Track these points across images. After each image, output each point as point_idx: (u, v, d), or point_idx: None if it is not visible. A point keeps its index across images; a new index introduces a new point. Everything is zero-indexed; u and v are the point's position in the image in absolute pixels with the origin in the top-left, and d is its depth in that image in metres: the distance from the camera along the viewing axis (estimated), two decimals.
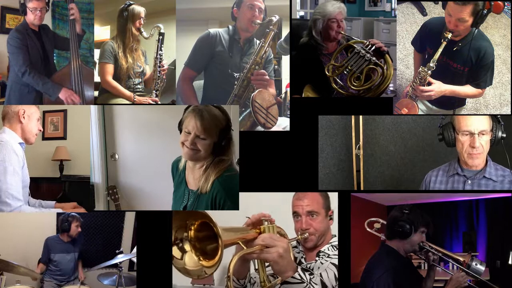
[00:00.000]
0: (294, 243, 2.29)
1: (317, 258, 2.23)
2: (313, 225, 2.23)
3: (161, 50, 2.77)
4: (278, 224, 2.09)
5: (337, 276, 2.19)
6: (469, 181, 2.43)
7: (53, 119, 3.06)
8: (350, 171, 2.75)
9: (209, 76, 2.76)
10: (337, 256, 2.24)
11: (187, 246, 1.97)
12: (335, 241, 2.29)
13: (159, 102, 2.77)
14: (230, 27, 2.75)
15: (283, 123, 2.65)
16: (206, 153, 2.14)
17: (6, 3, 2.85)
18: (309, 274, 2.12)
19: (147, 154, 3.19)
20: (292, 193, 2.34)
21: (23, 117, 2.54)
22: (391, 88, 2.65)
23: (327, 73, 2.58)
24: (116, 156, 3.29)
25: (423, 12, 2.67)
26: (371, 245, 2.43)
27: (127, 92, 2.78)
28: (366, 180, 2.75)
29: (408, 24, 2.68)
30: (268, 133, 2.62)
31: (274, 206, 2.43)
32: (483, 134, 2.36)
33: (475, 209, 2.67)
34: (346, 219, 2.52)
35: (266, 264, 2.07)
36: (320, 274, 2.16)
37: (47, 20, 2.81)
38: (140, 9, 2.77)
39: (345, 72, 2.55)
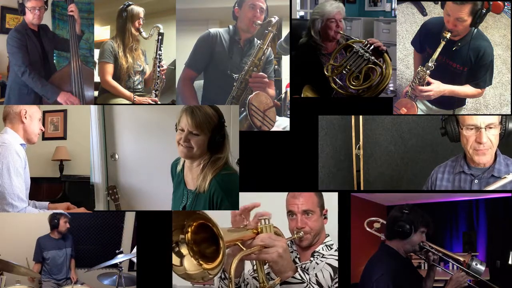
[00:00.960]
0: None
1: (312, 259, 2.22)
2: (309, 223, 2.23)
3: (160, 50, 2.77)
4: (278, 224, 2.10)
5: (332, 276, 2.19)
6: (476, 181, 2.34)
7: (53, 119, 3.06)
8: (350, 171, 2.75)
9: (209, 77, 2.76)
10: (332, 256, 2.24)
11: (184, 250, 1.95)
12: (329, 240, 2.28)
13: (158, 102, 2.77)
14: (231, 27, 2.75)
15: (283, 123, 2.65)
16: (200, 150, 2.17)
17: (6, 3, 2.84)
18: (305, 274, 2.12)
19: (147, 154, 3.19)
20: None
21: (25, 117, 2.56)
22: (391, 88, 2.65)
23: (326, 73, 2.58)
24: (116, 156, 3.29)
25: (423, 12, 2.67)
26: (371, 245, 2.43)
27: (127, 92, 2.78)
28: (366, 180, 2.75)
29: (408, 24, 2.68)
30: (268, 133, 2.62)
31: (274, 206, 2.43)
32: (490, 128, 2.23)
33: (475, 209, 2.67)
34: (346, 219, 2.52)
35: (265, 264, 2.07)
36: (316, 274, 2.16)
37: (47, 20, 2.81)
38: (139, 10, 2.78)
39: (344, 72, 2.55)
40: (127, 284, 2.73)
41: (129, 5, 2.76)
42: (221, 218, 2.30)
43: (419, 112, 2.66)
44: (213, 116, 2.20)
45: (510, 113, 2.62)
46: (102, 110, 3.13)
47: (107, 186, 3.23)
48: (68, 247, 2.90)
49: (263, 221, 2.03)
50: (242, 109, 2.64)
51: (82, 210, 2.69)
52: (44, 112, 3.08)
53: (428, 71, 2.57)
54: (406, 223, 2.27)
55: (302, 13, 2.97)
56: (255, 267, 2.12)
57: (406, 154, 2.80)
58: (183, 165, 2.32)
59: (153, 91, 2.78)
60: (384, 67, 2.50)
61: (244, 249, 1.93)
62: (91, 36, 2.78)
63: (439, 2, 2.63)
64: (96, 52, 2.77)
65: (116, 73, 2.78)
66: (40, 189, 2.98)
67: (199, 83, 2.78)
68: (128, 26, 2.77)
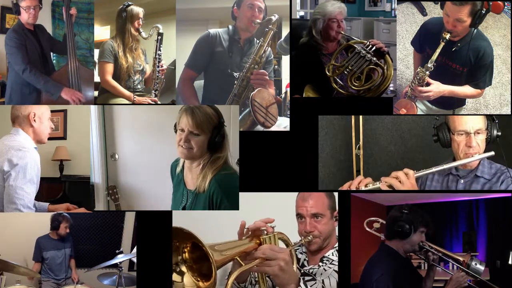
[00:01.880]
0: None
1: (320, 264, 2.19)
2: (318, 227, 2.19)
3: (159, 50, 2.77)
4: (278, 224, 2.05)
5: (338, 282, 2.17)
6: (462, 180, 2.41)
7: (53, 119, 3.05)
8: (350, 171, 2.75)
9: (209, 77, 2.76)
10: None
11: (184, 268, 1.92)
12: None
13: (158, 102, 2.78)
14: (230, 27, 2.75)
15: (283, 123, 2.65)
16: (200, 150, 2.17)
17: (6, 3, 2.84)
18: (311, 280, 2.09)
19: (147, 154, 3.19)
20: (292, 193, 2.33)
21: (34, 120, 2.55)
22: (391, 88, 2.65)
23: (327, 73, 2.58)
24: (116, 156, 3.29)
25: (423, 12, 2.67)
26: (371, 245, 2.43)
27: (127, 92, 2.78)
28: None
29: (408, 24, 2.68)
30: (268, 133, 2.62)
31: (274, 206, 2.44)
32: (478, 133, 2.33)
33: (475, 209, 2.67)
34: (346, 219, 2.52)
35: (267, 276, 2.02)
36: (323, 281, 2.13)
37: (47, 21, 2.81)
38: (138, 10, 2.78)
39: (345, 72, 2.55)
40: (127, 284, 2.73)
41: (129, 5, 2.77)
42: (221, 218, 2.32)
43: (419, 112, 2.66)
44: (213, 116, 2.20)
45: (510, 113, 2.63)
46: (102, 110, 3.13)
47: (107, 186, 3.23)
48: (67, 248, 2.90)
49: (265, 231, 1.97)
50: (242, 108, 2.64)
51: (82, 210, 2.69)
52: None
53: (427, 72, 2.57)
54: (406, 223, 2.27)
55: (302, 13, 2.97)
56: (256, 279, 2.07)
57: (406, 154, 2.80)
58: (182, 166, 2.32)
59: (153, 91, 2.78)
60: (385, 68, 2.50)
61: (243, 264, 1.87)
62: (91, 36, 2.78)
63: (439, 2, 2.63)
64: (96, 52, 2.77)
65: (116, 73, 2.78)
66: (40, 189, 2.97)
67: (199, 83, 2.78)
68: (128, 26, 2.77)
